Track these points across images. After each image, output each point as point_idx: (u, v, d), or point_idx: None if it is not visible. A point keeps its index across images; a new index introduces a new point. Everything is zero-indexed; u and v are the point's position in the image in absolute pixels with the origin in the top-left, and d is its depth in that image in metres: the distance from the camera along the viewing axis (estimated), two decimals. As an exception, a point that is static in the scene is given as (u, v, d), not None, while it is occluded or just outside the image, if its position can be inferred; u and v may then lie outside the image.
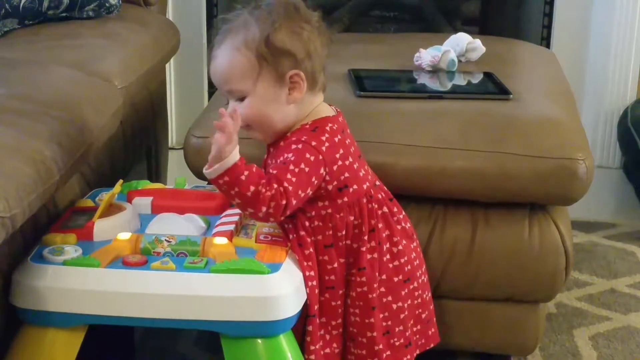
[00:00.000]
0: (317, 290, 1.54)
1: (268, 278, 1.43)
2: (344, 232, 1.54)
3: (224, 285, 1.43)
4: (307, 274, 1.52)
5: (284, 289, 1.44)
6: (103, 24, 2.24)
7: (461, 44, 2.08)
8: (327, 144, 1.50)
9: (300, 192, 1.47)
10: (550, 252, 1.75)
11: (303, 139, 1.49)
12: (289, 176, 1.46)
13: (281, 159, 1.49)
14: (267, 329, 1.45)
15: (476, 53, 2.10)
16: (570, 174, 1.70)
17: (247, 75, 1.50)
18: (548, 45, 3.06)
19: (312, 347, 1.54)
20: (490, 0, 3.40)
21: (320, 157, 1.49)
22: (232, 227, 1.55)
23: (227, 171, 1.45)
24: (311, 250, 1.53)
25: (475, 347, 1.87)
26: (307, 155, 1.48)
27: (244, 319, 1.44)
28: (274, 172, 1.47)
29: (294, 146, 1.49)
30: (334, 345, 1.58)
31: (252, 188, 1.44)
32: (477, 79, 2.00)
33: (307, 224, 1.54)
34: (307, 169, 1.47)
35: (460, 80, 1.99)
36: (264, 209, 1.45)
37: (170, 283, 1.43)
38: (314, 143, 1.49)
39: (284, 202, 1.45)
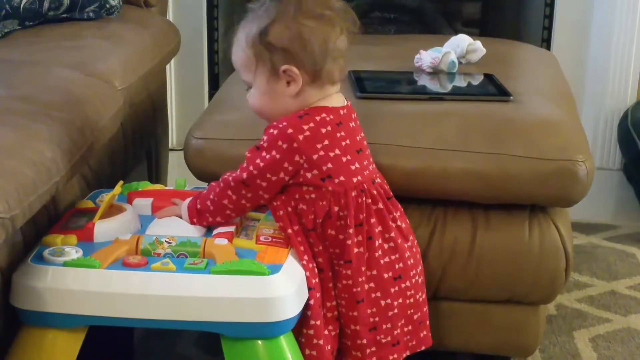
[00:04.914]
0: (312, 265, 1.54)
1: (268, 279, 1.43)
2: (320, 220, 1.54)
3: (224, 286, 1.43)
4: (301, 248, 1.53)
5: (284, 290, 1.44)
6: (103, 25, 2.24)
7: (462, 46, 2.08)
8: (307, 133, 1.52)
9: (268, 174, 1.52)
10: (550, 253, 1.75)
11: (281, 125, 1.52)
12: (257, 160, 1.52)
13: (260, 141, 1.54)
14: (267, 330, 1.45)
15: (476, 54, 2.10)
16: (570, 176, 1.70)
17: (247, 69, 1.56)
18: (548, 47, 3.06)
19: (312, 322, 1.53)
20: (491, 2, 3.41)
21: (295, 145, 1.51)
22: (232, 228, 1.55)
23: (190, 219, 1.57)
24: (298, 227, 1.55)
25: (475, 348, 1.87)
26: (280, 143, 1.51)
27: (244, 320, 1.44)
28: (248, 154, 1.54)
29: (271, 130, 1.53)
30: (330, 327, 1.58)
31: (211, 207, 1.56)
32: (477, 80, 2.00)
33: (292, 204, 1.55)
34: (277, 156, 1.51)
35: (461, 82, 1.99)
36: (225, 200, 1.54)
37: (171, 284, 1.43)
38: (290, 131, 1.51)
39: (244, 175, 1.53)
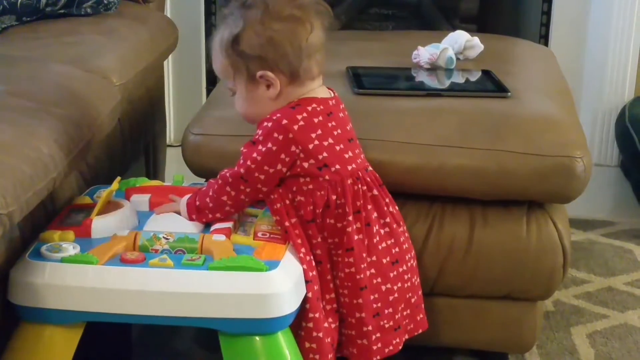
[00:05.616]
0: (309, 258, 1.54)
1: (266, 275, 1.43)
2: (320, 210, 1.55)
3: (222, 282, 1.43)
4: (298, 241, 1.54)
5: (282, 287, 1.44)
6: (101, 20, 2.24)
7: (459, 42, 2.08)
8: (301, 123, 1.53)
9: (265, 167, 1.52)
10: (548, 250, 1.75)
11: (275, 117, 1.53)
12: (254, 154, 1.52)
13: (255, 135, 1.54)
14: (265, 327, 1.45)
15: (474, 51, 2.10)
16: (568, 172, 1.70)
17: (226, 77, 1.59)
18: (546, 43, 3.06)
19: (311, 315, 1.54)
20: (489, -2, 3.40)
21: (290, 136, 1.52)
22: (230, 224, 1.55)
23: (189, 215, 1.57)
24: (296, 220, 1.55)
25: (472, 344, 1.87)
26: (275, 135, 1.52)
27: (242, 317, 1.44)
28: (244, 150, 1.54)
29: (265, 123, 1.54)
30: (330, 319, 1.58)
31: (210, 204, 1.56)
32: (475, 76, 2.00)
33: (290, 196, 1.55)
34: (274, 148, 1.52)
35: (459, 78, 1.99)
36: (224, 197, 1.55)
37: (168, 280, 1.43)
38: (284, 122, 1.52)
39: (242, 170, 1.53)
